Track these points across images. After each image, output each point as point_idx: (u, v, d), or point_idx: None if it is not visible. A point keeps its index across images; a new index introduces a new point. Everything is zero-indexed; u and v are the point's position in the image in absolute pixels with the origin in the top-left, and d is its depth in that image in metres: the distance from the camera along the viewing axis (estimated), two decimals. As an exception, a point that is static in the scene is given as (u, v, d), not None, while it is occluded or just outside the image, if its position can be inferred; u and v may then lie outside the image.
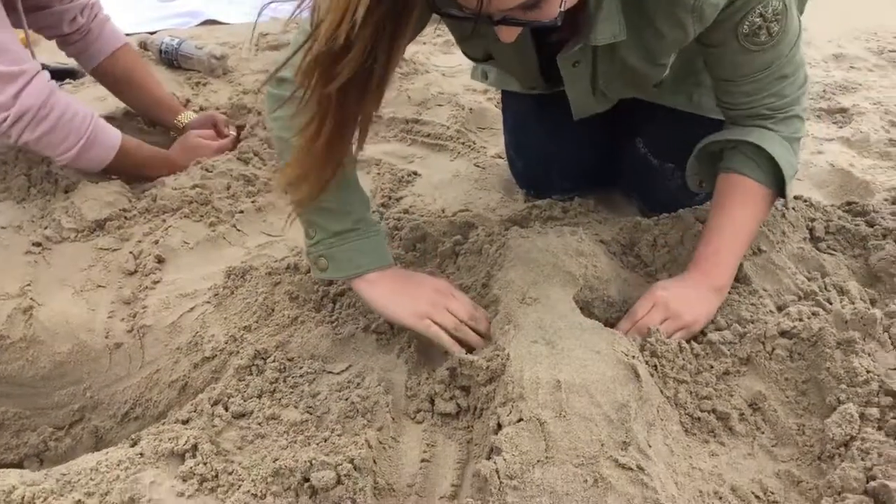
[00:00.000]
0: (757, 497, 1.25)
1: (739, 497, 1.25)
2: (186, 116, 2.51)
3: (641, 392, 1.29)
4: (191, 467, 1.28)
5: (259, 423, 1.40)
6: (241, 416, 1.43)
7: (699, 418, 1.37)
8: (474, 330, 1.49)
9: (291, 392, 1.47)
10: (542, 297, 1.49)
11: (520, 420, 1.26)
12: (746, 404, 1.40)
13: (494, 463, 1.20)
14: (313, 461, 1.25)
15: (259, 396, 1.46)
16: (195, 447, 1.32)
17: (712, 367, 1.45)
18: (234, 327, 1.63)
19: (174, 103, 2.57)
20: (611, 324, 1.58)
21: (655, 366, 1.40)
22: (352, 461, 1.24)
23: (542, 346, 1.38)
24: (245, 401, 1.45)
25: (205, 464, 1.29)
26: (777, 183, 1.56)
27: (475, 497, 1.21)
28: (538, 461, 1.20)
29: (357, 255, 1.52)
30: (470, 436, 1.38)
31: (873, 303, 1.62)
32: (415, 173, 2.26)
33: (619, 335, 1.42)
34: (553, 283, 1.53)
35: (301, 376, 1.50)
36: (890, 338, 1.37)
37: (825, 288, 1.63)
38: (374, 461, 1.29)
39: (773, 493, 1.25)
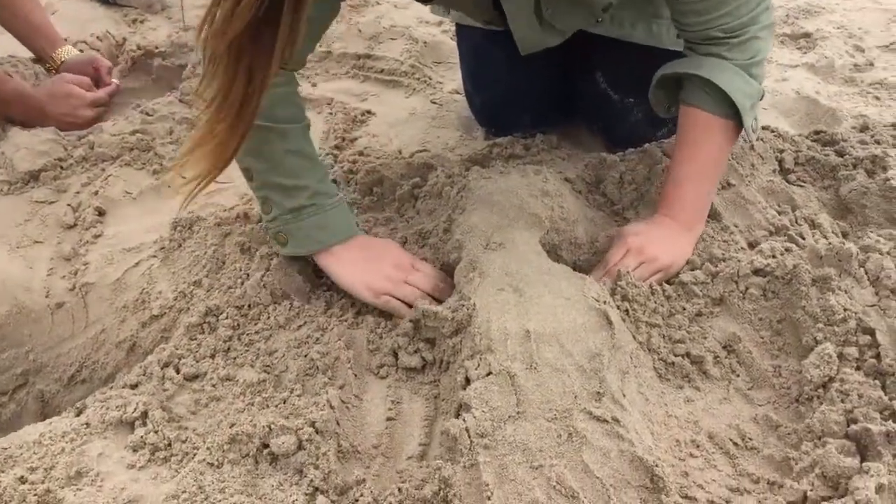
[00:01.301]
0: (735, 444, 1.21)
1: (717, 444, 1.21)
2: (66, 52, 2.26)
3: (614, 339, 1.24)
4: (141, 436, 1.21)
5: (213, 385, 1.33)
6: (194, 377, 1.35)
7: (673, 363, 1.33)
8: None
9: (247, 350, 1.39)
10: (507, 241, 1.42)
11: (489, 374, 1.20)
12: (720, 346, 1.36)
13: (464, 421, 1.14)
14: (272, 426, 1.18)
15: (212, 356, 1.38)
16: (145, 414, 1.25)
17: (685, 308, 1.40)
18: (183, 283, 1.54)
19: (54, 34, 2.29)
20: (579, 266, 1.52)
21: (627, 310, 1.35)
22: (313, 424, 1.18)
23: (510, 294, 1.31)
24: (197, 361, 1.37)
25: (156, 432, 1.22)
26: (736, 114, 1.48)
27: (445, 457, 1.15)
28: (509, 417, 1.15)
29: (315, 230, 1.46)
30: (437, 391, 1.32)
31: (845, 235, 1.58)
32: (369, 112, 2.16)
33: (590, 280, 1.36)
34: (518, 227, 1.45)
35: (256, 333, 1.42)
36: (866, 273, 1.33)
37: (796, 222, 1.59)
38: (337, 422, 1.22)
39: (751, 438, 1.21)
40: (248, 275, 1.52)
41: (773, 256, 1.42)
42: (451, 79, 2.30)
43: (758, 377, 1.31)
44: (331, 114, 2.12)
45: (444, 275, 1.48)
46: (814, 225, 1.57)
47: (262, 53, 1.12)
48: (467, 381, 1.22)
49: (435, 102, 2.16)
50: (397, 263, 1.46)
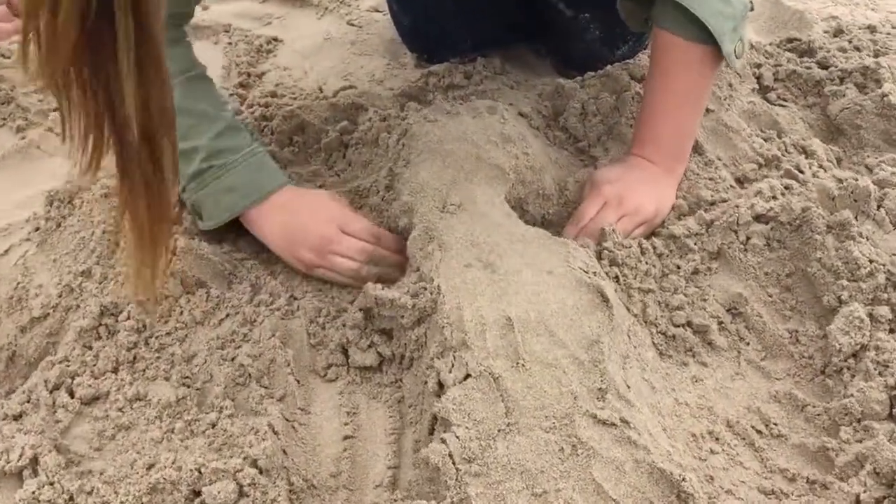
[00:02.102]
0: (758, 431, 1.03)
1: (738, 434, 1.03)
2: None
3: (613, 320, 1.03)
4: (33, 493, 0.95)
5: (119, 410, 1.07)
6: (93, 401, 1.09)
7: (673, 336, 1.13)
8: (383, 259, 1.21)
9: (158, 358, 1.12)
10: (468, 201, 1.18)
11: (467, 377, 0.97)
12: (724, 310, 1.16)
13: (445, 444, 0.92)
14: (202, 468, 0.93)
15: (115, 370, 1.11)
16: (35, 461, 0.98)
17: (679, 267, 1.19)
18: (68, 273, 1.24)
19: None
20: (548, 221, 1.30)
21: (617, 277, 1.14)
22: (255, 463, 0.94)
23: (480, 271, 1.08)
24: (96, 378, 1.10)
25: (51, 484, 0.96)
26: (716, 39, 1.25)
27: (427, 491, 0.93)
28: (499, 431, 0.93)
29: (222, 195, 1.23)
30: (400, 393, 1.09)
31: (839, 162, 1.39)
32: (275, 39, 1.84)
33: (573, 245, 1.13)
34: (478, 181, 1.21)
35: (168, 335, 1.15)
36: (887, 214, 1.15)
37: (786, 150, 1.39)
38: (284, 451, 0.98)
39: (775, 424, 1.03)
40: (150, 258, 1.23)
41: (775, 198, 1.22)
42: (368, -6, 2.00)
43: (771, 345, 1.13)
44: (230, 44, 1.80)
45: (382, 230, 1.24)
46: (806, 153, 1.38)
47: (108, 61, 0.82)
48: (440, 386, 1.00)
49: (352, 24, 1.85)
50: (322, 230, 1.21)
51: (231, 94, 1.61)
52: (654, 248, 1.19)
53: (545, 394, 0.95)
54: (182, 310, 1.18)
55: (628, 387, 0.99)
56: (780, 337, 1.12)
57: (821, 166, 1.34)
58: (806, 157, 1.35)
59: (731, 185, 1.33)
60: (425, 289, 1.08)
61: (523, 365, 0.97)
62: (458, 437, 0.92)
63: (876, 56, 1.55)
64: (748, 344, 1.13)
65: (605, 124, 1.44)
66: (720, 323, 1.15)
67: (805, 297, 1.14)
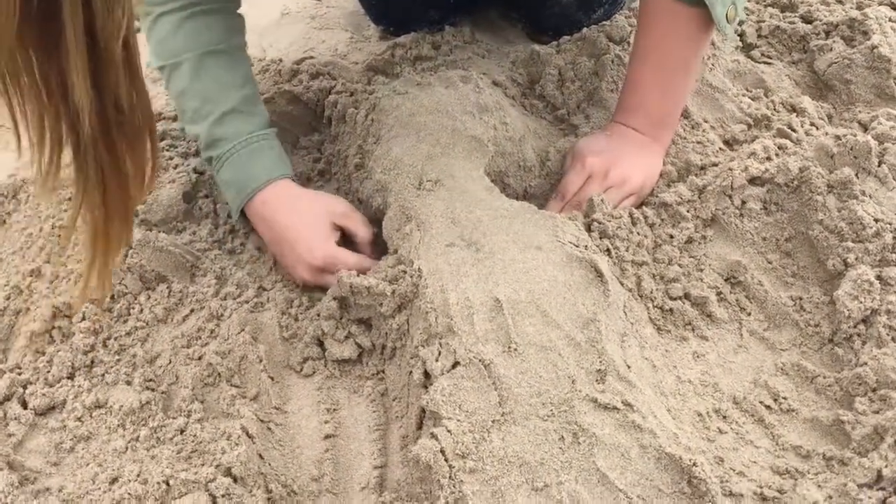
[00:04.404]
0: (767, 406, 0.96)
1: (746, 411, 0.96)
2: None
3: (609, 296, 0.96)
4: (-16, 516, 0.86)
5: (78, 419, 0.98)
6: (49, 410, 1.00)
7: (671, 309, 1.06)
8: None
9: (118, 361, 1.04)
10: (446, 176, 1.10)
11: (455, 365, 0.90)
12: (723, 280, 1.10)
13: (436, 439, 0.84)
14: (171, 479, 0.85)
15: (71, 376, 1.03)
16: (-14, 481, 0.89)
17: (672, 237, 1.12)
18: (16, 273, 1.15)
19: None
20: (530, 194, 1.22)
21: (608, 250, 1.06)
22: (229, 471, 0.86)
23: (463, 251, 1.00)
24: (51, 387, 1.01)
25: (5, 505, 0.87)
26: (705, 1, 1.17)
27: (418, 491, 0.86)
28: (493, 422, 0.86)
29: (224, 189, 1.18)
30: (383, 386, 1.02)
31: (830, 119, 1.33)
32: (231, 16, 1.74)
33: (561, 218, 1.06)
34: (456, 155, 1.13)
35: (128, 335, 1.07)
36: (889, 170, 1.09)
37: (775, 109, 1.32)
38: (260, 456, 0.90)
39: (784, 398, 0.97)
40: (105, 253, 1.14)
41: (769, 159, 1.15)
42: (326, -34, 1.89)
43: (774, 314, 1.06)
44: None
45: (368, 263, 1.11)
46: (796, 111, 1.31)
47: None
48: (427, 376, 0.92)
49: (311, -3, 1.76)
50: (312, 261, 1.10)
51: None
52: (646, 217, 1.12)
53: (541, 379, 0.88)
54: (142, 307, 1.09)
55: (628, 367, 0.92)
56: (784, 305, 1.06)
57: (812, 124, 1.27)
58: (797, 116, 1.29)
59: (720, 148, 1.26)
60: (405, 272, 1.00)
61: (515, 349, 0.90)
62: (449, 432, 0.84)
63: (860, 8, 1.49)
64: (749, 314, 1.07)
65: (584, 90, 1.36)
66: (719, 294, 1.08)
67: (807, 261, 1.08)
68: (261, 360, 1.01)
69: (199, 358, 1.03)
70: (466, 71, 1.27)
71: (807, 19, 1.48)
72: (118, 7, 0.70)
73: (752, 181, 1.13)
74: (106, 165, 0.78)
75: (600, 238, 1.07)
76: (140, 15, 1.22)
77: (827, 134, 1.20)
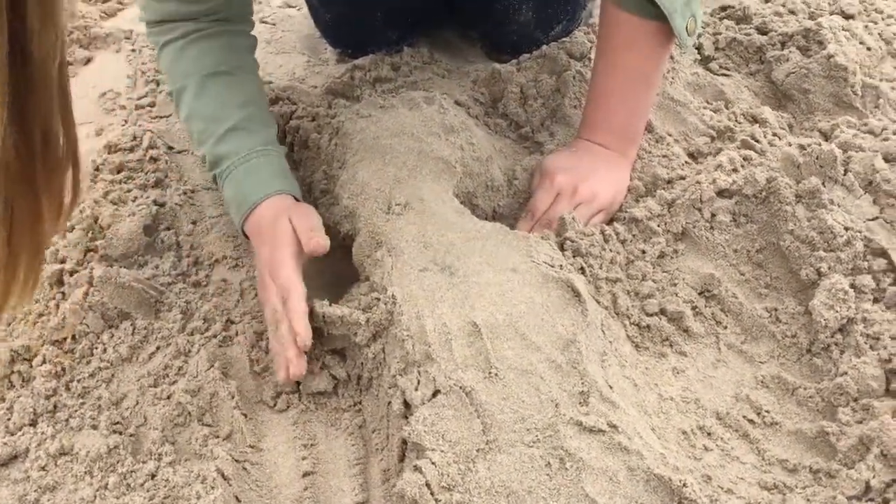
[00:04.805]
0: (750, 421, 0.96)
1: (729, 426, 0.96)
2: None
3: (587, 316, 0.94)
4: (-55, 578, 0.81)
5: (42, 468, 0.94)
6: (11, 460, 0.95)
7: (648, 326, 1.05)
8: None
9: (82, 404, 1.00)
10: (415, 199, 1.08)
11: (436, 393, 0.88)
12: (696, 293, 1.09)
13: (420, 472, 0.82)
14: (144, 529, 0.82)
15: (33, 423, 0.98)
16: (-55, 540, 0.85)
17: (644, 252, 1.12)
18: (-29, 317, 1.10)
19: None
20: (499, 215, 1.21)
21: (582, 268, 1.05)
22: (206, 517, 0.82)
23: (437, 275, 0.98)
24: (12, 434, 0.97)
25: (-32, 566, 0.83)
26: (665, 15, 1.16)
27: (403, 528, 0.83)
28: (478, 451, 0.84)
29: (228, 207, 1.17)
30: (361, 418, 0.99)
31: (790, 128, 1.34)
32: (183, 43, 1.70)
33: (534, 238, 1.04)
34: (424, 178, 1.11)
35: (92, 376, 1.02)
36: (855, 178, 1.09)
37: (737, 120, 1.33)
38: (237, 499, 0.87)
39: (767, 411, 0.96)
40: (63, 292, 1.10)
41: (736, 171, 1.16)
42: (280, -11, 1.87)
43: (750, 326, 1.06)
44: (133, 51, 1.65)
45: (295, 288, 1.01)
46: (757, 121, 1.32)
47: None
48: (407, 406, 0.90)
49: (265, 22, 1.72)
50: (260, 269, 1.08)
51: (138, 108, 1.47)
52: (617, 233, 1.12)
53: (523, 404, 0.86)
54: (105, 346, 1.05)
55: (611, 387, 0.91)
56: (759, 317, 1.06)
57: (775, 134, 1.28)
58: (759, 126, 1.29)
59: (686, 162, 1.26)
60: (378, 300, 0.98)
61: (496, 374, 0.88)
62: (433, 464, 0.82)
63: (813, 18, 1.51)
64: (726, 328, 1.06)
65: (547, 107, 1.35)
66: (694, 308, 1.08)
67: (780, 272, 1.08)
68: (232, 397, 0.98)
69: (168, 397, 0.99)
70: (429, 92, 1.26)
71: (762, 31, 1.49)
72: (53, 27, 0.66)
73: (721, 193, 1.13)
74: (19, 198, 0.72)
75: (574, 256, 1.06)
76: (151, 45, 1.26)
77: (790, 144, 1.21)
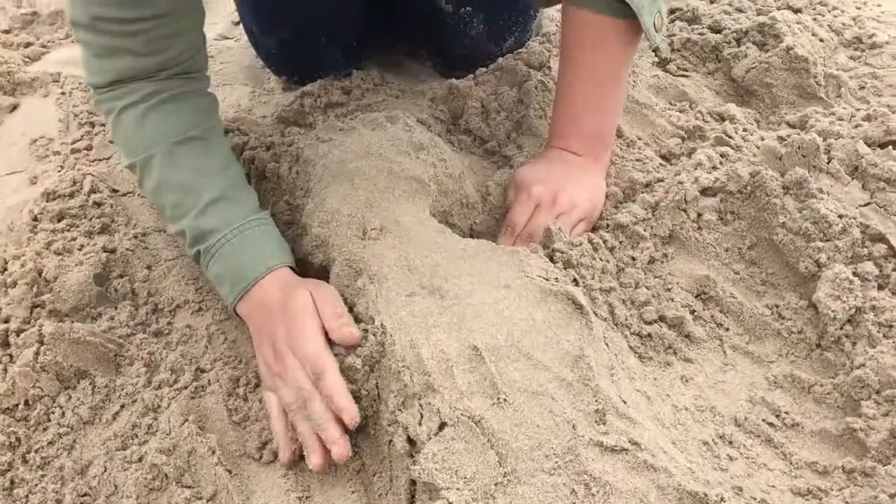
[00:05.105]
0: (770, 424, 0.91)
1: (750, 432, 0.91)
2: None
3: (592, 329, 0.88)
4: None
5: (4, 554, 0.83)
6: (-33, 549, 0.84)
7: (649, 335, 1.00)
8: None
9: (42, 477, 0.89)
10: (390, 222, 1.01)
11: (442, 426, 0.81)
12: (693, 296, 1.05)
13: (438, 515, 0.74)
14: None
15: (-11, 503, 0.87)
16: None
17: (634, 259, 1.07)
18: None
19: None
20: (476, 233, 1.15)
21: (575, 279, 0.99)
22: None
23: (427, 299, 0.91)
24: (-34, 519, 0.86)
25: None
26: (633, 12, 1.13)
27: (425, 579, 0.75)
28: (496, 485, 0.77)
29: (217, 286, 1.04)
30: (359, 461, 0.90)
31: (757, 124, 1.32)
32: (116, 83, 1.61)
33: (524, 252, 0.98)
34: (397, 199, 1.04)
35: (51, 444, 0.92)
36: (840, 164, 1.07)
37: (704, 119, 1.30)
38: (232, 568, 0.78)
39: (786, 412, 0.92)
40: (10, 354, 1.00)
41: (716, 168, 1.12)
42: (215, 20, 1.79)
43: (753, 326, 1.02)
44: (63, 94, 1.55)
45: (330, 365, 0.90)
46: (724, 118, 1.30)
47: None
48: (411, 443, 0.82)
49: (202, 55, 1.64)
50: (300, 385, 0.90)
51: (74, 153, 1.37)
52: (605, 241, 1.06)
53: (538, 429, 0.80)
54: (63, 410, 0.95)
55: (625, 402, 0.85)
56: (761, 315, 1.01)
57: (745, 130, 1.25)
58: (729, 123, 1.27)
59: (660, 164, 1.22)
60: (366, 331, 0.90)
61: (505, 399, 0.82)
62: (450, 503, 0.75)
63: (761, 14, 1.50)
64: (728, 329, 1.02)
65: (511, 120, 1.31)
66: (692, 312, 1.03)
67: (775, 267, 1.04)
68: (213, 452, 0.89)
69: (140, 459, 0.90)
70: (392, 112, 1.19)
71: (715, 29, 1.48)
72: None
73: (704, 192, 1.09)
74: None
75: (565, 268, 1.00)
76: (102, 115, 1.10)
77: (763, 138, 1.18)
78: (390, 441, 0.84)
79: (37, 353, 0.96)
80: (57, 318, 1.02)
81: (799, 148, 1.07)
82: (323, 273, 1.02)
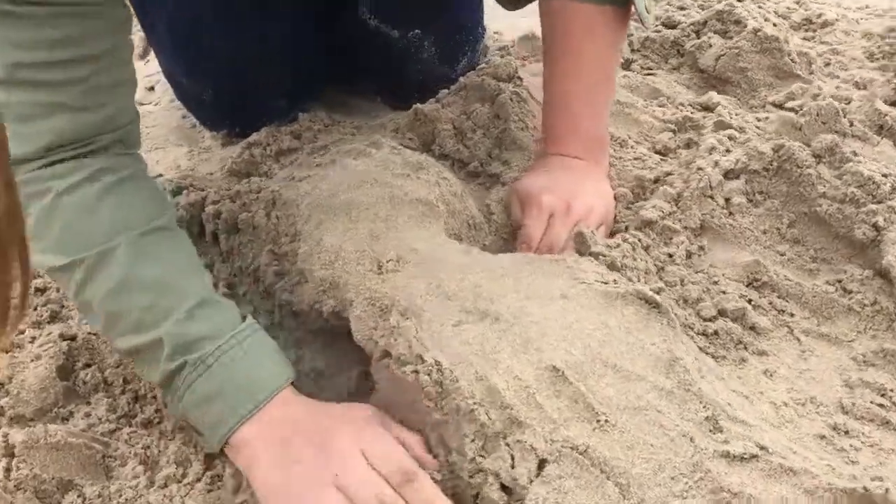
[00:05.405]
0: (881, 406, 0.82)
1: (862, 417, 0.81)
2: None
3: (675, 327, 0.77)
4: None
5: None
6: None
7: (715, 332, 0.90)
8: None
9: None
10: (406, 251, 0.88)
11: (542, 464, 0.67)
12: (744, 286, 0.95)
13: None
14: None
15: None
16: None
17: (671, 255, 0.97)
18: None
19: None
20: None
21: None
22: None
23: (479, 325, 0.78)
24: None
25: None
26: None
27: None
28: (627, 522, 0.64)
29: (207, 405, 0.78)
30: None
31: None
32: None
33: (570, 258, 0.87)
34: (405, 226, 0.91)
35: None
36: (864, 125, 1.01)
37: (689, 110, 1.24)
38: None
39: (891, 389, 0.83)
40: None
41: (730, 151, 1.05)
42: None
43: (819, 306, 0.93)
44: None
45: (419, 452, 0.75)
46: (709, 107, 1.23)
47: None
48: (508, 491, 0.68)
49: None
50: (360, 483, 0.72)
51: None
52: (639, 240, 0.96)
53: (654, 448, 0.68)
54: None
55: (730, 404, 0.74)
56: (825, 294, 0.93)
57: (737, 113, 1.19)
58: (721, 107, 1.20)
59: (660, 159, 1.14)
60: (416, 373, 0.76)
61: (606, 420, 0.69)
62: (583, 553, 0.61)
63: (703, 8, 1.47)
64: (793, 315, 0.93)
65: (489, 137, 1.20)
66: (750, 301, 0.93)
67: (822, 241, 0.97)
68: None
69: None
70: (371, 137, 1.07)
71: (669, 25, 1.44)
72: None
73: (727, 175, 1.01)
74: None
75: (610, 271, 0.89)
76: (25, 200, 0.71)
77: (759, 119, 1.12)
78: (478, 495, 0.70)
79: (8, 469, 0.77)
80: (21, 426, 0.83)
81: (818, 115, 1.01)
82: (338, 320, 0.87)
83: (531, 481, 0.67)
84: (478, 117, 1.21)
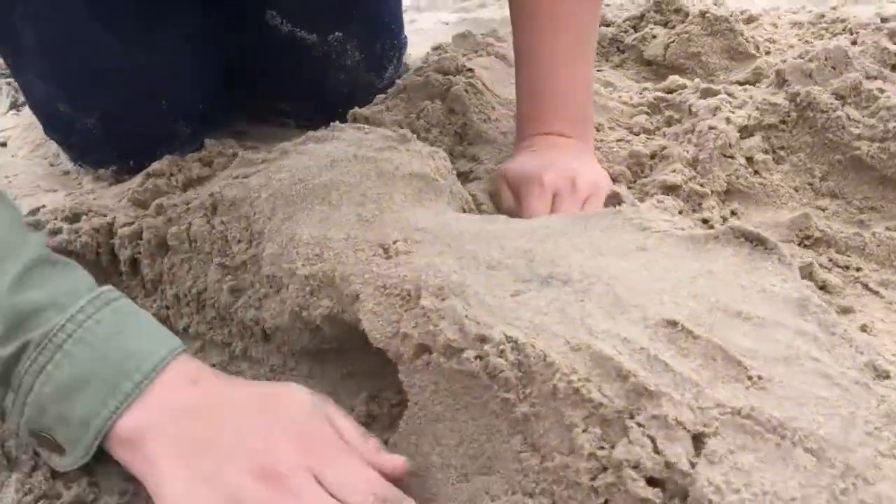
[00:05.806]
0: None
1: None
2: None
3: (791, 265, 0.62)
4: None
5: None
6: None
7: (789, 292, 0.75)
8: None
9: None
10: (412, 231, 0.69)
11: (699, 440, 0.49)
12: (796, 245, 0.82)
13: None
14: None
15: None
16: None
17: (706, 221, 0.83)
18: None
19: None
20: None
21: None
22: None
23: (545, 290, 0.60)
24: None
25: None
26: None
27: None
28: (842, 492, 0.46)
29: (69, 398, 0.56)
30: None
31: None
32: None
33: (615, 211, 0.70)
34: (400, 207, 0.73)
35: None
36: (878, 63, 0.92)
37: (654, 93, 1.13)
38: None
39: None
40: None
41: (735, 110, 0.93)
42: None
43: (887, 256, 0.80)
44: None
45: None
46: (674, 89, 1.13)
47: None
48: (656, 484, 0.49)
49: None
50: (297, 448, 0.56)
51: None
52: (673, 204, 0.81)
53: (826, 401, 0.51)
54: None
55: (879, 347, 0.59)
56: (885, 243, 0.81)
57: (710, 82, 1.09)
58: (690, 84, 1.10)
59: (647, 138, 1.01)
60: (480, 359, 0.56)
61: (759, 376, 0.52)
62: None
63: (634, 4, 1.40)
64: (859, 269, 0.80)
65: (447, 133, 1.04)
66: (815, 260, 0.80)
67: (866, 189, 0.85)
68: None
69: None
70: (339, 124, 0.88)
71: (603, 23, 1.34)
72: None
73: (742, 132, 0.89)
74: None
75: (683, 218, 0.73)
76: None
77: (731, 94, 1.02)
78: (606, 502, 0.50)
79: None
80: None
81: (827, 59, 0.91)
82: (336, 327, 0.66)
83: (693, 465, 0.48)
84: (430, 115, 1.05)
